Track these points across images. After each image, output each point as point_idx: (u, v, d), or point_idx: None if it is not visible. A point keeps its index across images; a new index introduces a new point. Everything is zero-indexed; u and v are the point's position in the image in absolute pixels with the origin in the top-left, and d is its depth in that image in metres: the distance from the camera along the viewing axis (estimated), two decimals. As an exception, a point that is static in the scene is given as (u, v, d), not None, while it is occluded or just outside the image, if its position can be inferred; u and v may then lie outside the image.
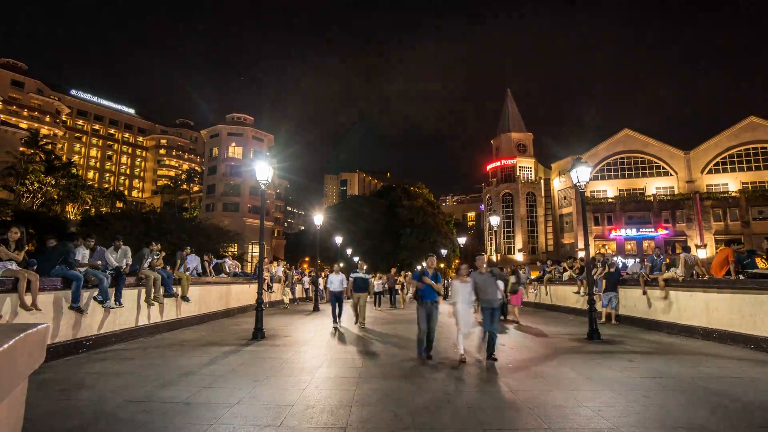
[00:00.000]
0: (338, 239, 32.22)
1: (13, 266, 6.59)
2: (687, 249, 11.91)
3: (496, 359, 6.70)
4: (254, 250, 56.88)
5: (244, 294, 16.58)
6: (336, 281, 12.55)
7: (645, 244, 46.48)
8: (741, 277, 9.13)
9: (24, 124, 65.65)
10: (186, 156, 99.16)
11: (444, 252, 56.53)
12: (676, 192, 50.00)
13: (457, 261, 65.21)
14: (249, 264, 49.40)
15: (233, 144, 66.85)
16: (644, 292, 11.59)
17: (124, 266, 9.18)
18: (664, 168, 51.77)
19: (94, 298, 8.07)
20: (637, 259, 14.16)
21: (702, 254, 43.49)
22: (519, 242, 62.05)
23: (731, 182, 48.57)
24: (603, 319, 12.44)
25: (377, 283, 19.36)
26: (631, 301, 12.36)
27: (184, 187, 75.27)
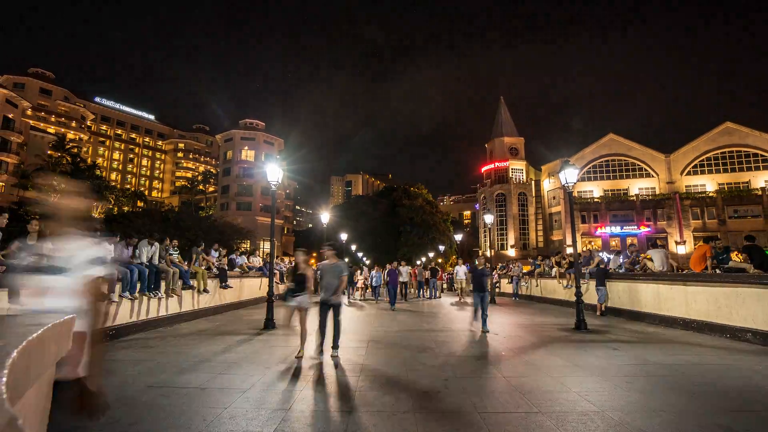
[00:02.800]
0: (344, 236, 32.25)
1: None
2: (655, 245, 11.89)
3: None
4: (265, 246, 56.97)
5: (256, 287, 16.59)
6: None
7: (628, 240, 46.48)
8: (717, 271, 9.12)
9: (52, 129, 65.90)
10: (202, 159, 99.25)
11: (442, 248, 56.54)
12: (657, 192, 49.95)
13: (454, 257, 65.19)
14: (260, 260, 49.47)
15: (246, 148, 66.97)
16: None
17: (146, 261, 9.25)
18: (646, 170, 51.69)
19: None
20: (615, 255, 14.07)
21: (681, 250, 43.47)
22: (511, 239, 62.00)
23: (708, 183, 48.51)
24: (598, 313, 12.27)
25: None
26: (616, 293, 12.32)
27: (201, 187, 75.43)
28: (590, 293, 12.72)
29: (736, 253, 10.16)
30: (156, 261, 9.70)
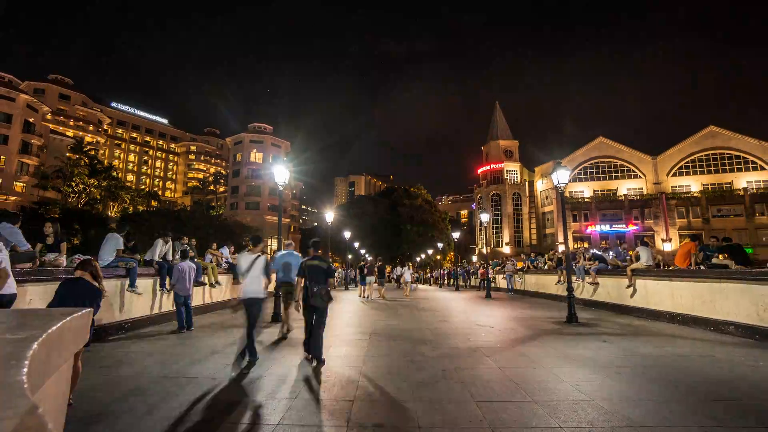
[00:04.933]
0: (347, 234, 32.20)
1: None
2: (645, 243, 11.83)
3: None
4: (273, 244, 57.05)
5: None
6: None
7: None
8: (702, 267, 9.09)
9: (70, 133, 65.99)
10: (213, 161, 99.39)
11: (440, 245, 56.60)
12: (644, 192, 49.93)
13: (452, 253, 65.22)
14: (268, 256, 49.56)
15: (254, 150, 67.07)
16: (630, 285, 10.88)
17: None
18: (634, 171, 51.65)
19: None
20: (604, 251, 14.09)
21: (667, 247, 43.41)
22: (506, 237, 61.99)
23: (693, 184, 48.48)
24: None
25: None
26: (606, 288, 12.31)
27: (211, 188, 75.67)
28: (579, 288, 12.75)
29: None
30: (170, 257, 9.68)
